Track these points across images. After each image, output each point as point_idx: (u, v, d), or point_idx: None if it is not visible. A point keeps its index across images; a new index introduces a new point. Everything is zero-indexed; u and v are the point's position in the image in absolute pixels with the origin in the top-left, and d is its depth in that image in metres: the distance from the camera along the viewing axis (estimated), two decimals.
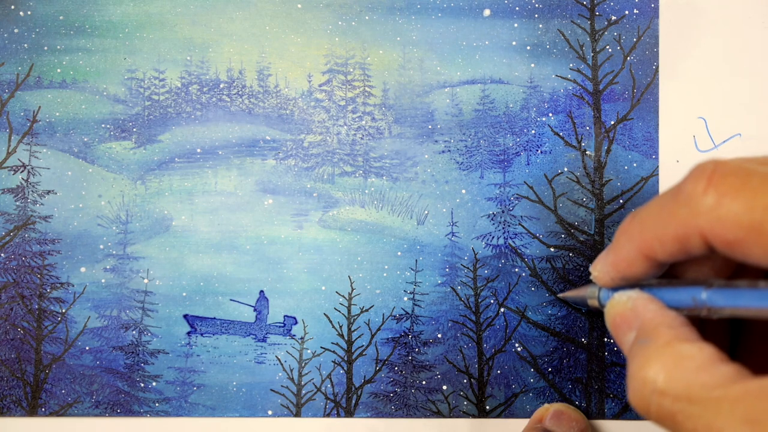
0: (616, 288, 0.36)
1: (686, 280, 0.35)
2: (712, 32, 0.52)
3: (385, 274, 0.52)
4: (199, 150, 0.52)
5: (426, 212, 0.52)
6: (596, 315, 0.52)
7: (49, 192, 0.52)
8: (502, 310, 0.52)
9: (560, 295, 0.50)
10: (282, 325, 0.52)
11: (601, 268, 0.37)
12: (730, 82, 0.52)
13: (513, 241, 0.52)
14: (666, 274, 0.36)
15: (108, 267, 0.52)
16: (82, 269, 0.52)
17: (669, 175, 0.52)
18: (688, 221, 0.30)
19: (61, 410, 0.51)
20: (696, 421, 0.28)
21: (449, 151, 0.52)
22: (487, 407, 0.51)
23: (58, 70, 0.52)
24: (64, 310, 0.52)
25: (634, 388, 0.31)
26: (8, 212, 0.52)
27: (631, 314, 0.34)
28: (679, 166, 0.52)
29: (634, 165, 0.52)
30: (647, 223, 0.33)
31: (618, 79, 0.52)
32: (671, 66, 0.52)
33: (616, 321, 0.35)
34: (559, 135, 0.52)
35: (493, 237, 0.52)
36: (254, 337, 0.52)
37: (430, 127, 0.52)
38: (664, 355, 0.30)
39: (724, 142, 0.52)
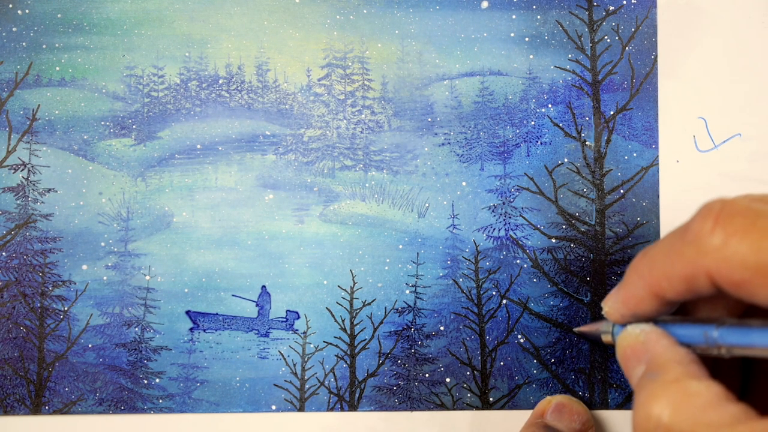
0: (627, 324, 0.36)
1: (698, 317, 0.35)
2: (712, 32, 0.52)
3: (386, 268, 0.52)
4: (199, 146, 0.52)
5: (427, 205, 0.52)
6: (599, 306, 0.52)
7: (49, 190, 0.52)
8: (504, 301, 0.52)
9: (576, 330, 0.50)
10: (284, 319, 0.52)
11: (611, 305, 0.37)
12: (730, 82, 0.52)
13: (514, 233, 0.52)
14: (679, 311, 0.36)
15: (109, 264, 0.52)
16: (84, 267, 0.52)
17: (669, 175, 0.52)
18: (695, 261, 0.30)
19: (65, 408, 0.51)
20: None
21: (449, 143, 0.52)
22: (491, 399, 0.51)
23: (57, 68, 0.52)
24: (66, 308, 0.52)
25: (639, 423, 0.30)
26: (9, 211, 0.52)
27: (642, 348, 0.34)
28: (679, 166, 0.52)
29: (634, 155, 0.52)
30: (656, 261, 0.33)
31: (617, 69, 0.52)
32: (671, 66, 0.52)
33: (627, 353, 0.35)
34: (558, 126, 0.52)
35: (494, 229, 0.52)
36: (257, 332, 0.52)
37: (429, 119, 0.52)
38: (671, 391, 0.30)
39: (724, 142, 0.52)
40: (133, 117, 0.52)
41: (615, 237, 0.52)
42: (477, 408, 0.51)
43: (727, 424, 0.28)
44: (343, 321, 0.52)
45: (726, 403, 0.29)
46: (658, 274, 0.33)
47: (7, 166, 0.52)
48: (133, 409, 0.51)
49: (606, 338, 0.41)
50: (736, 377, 0.37)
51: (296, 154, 0.52)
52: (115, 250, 0.52)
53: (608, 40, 0.52)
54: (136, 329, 0.52)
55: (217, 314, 0.52)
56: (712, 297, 0.35)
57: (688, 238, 0.31)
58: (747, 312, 0.36)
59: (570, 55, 0.52)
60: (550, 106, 0.52)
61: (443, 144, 0.52)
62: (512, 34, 0.52)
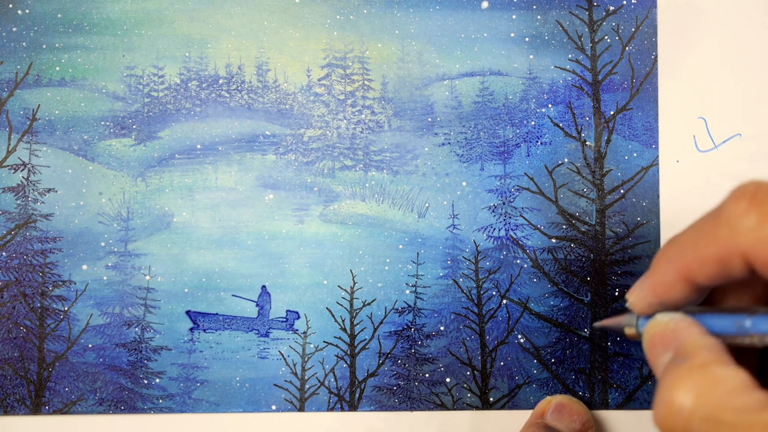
0: (652, 315, 0.36)
1: (729, 306, 0.34)
2: (712, 32, 0.52)
3: (386, 268, 0.52)
4: (199, 146, 0.52)
5: (427, 205, 0.52)
6: (599, 306, 0.52)
7: (49, 190, 0.52)
8: (504, 301, 0.52)
9: (597, 324, 0.50)
10: (284, 319, 0.52)
11: (638, 294, 0.36)
12: (730, 82, 0.52)
13: (514, 233, 0.52)
14: (704, 302, 0.36)
15: (110, 264, 0.52)
16: (84, 267, 0.52)
17: (669, 175, 0.52)
18: (729, 242, 0.30)
19: (65, 408, 0.51)
20: None
21: (449, 143, 0.52)
22: (491, 399, 0.51)
23: (57, 68, 0.52)
24: (66, 308, 0.52)
25: (662, 407, 0.30)
26: (9, 211, 0.52)
27: (671, 335, 0.33)
28: (679, 166, 0.52)
29: (634, 155, 0.52)
30: (687, 245, 0.33)
31: (617, 69, 0.52)
32: (671, 66, 0.52)
33: (654, 341, 0.34)
34: (558, 126, 0.52)
35: (494, 229, 0.52)
36: (257, 332, 0.52)
37: (429, 119, 0.52)
38: (698, 376, 0.30)
39: (724, 142, 0.52)
40: (133, 117, 0.52)
41: (615, 237, 0.52)
42: (477, 408, 0.51)
43: (753, 410, 0.28)
44: (343, 321, 0.52)
45: (752, 390, 0.29)
46: (689, 258, 0.33)
47: (7, 166, 0.52)
48: (133, 409, 0.51)
49: (630, 331, 0.40)
50: (754, 369, 0.37)
51: (296, 154, 0.52)
52: (115, 250, 0.52)
53: (608, 40, 0.52)
54: (136, 329, 0.52)
55: (217, 314, 0.52)
56: (739, 286, 0.35)
57: (721, 220, 0.31)
58: None
59: (570, 55, 0.52)
60: (550, 106, 0.52)
61: (443, 144, 0.52)
62: (512, 34, 0.52)
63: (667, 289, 0.35)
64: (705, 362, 0.30)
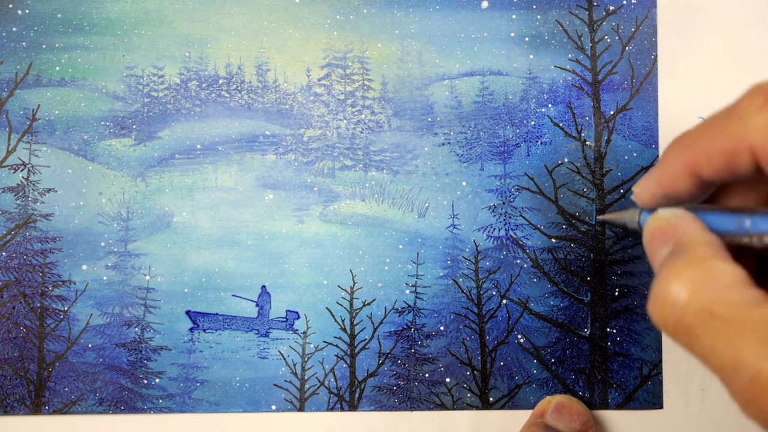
0: (655, 210, 0.36)
1: (730, 206, 0.34)
2: (712, 32, 0.52)
3: (386, 268, 0.52)
4: (198, 146, 0.52)
5: (427, 205, 0.52)
6: (599, 306, 0.52)
7: (49, 190, 0.52)
8: (504, 301, 0.52)
9: (599, 217, 0.49)
10: (284, 319, 0.52)
11: (643, 185, 0.36)
12: (730, 82, 0.52)
13: (514, 233, 0.52)
14: (708, 202, 0.36)
15: (109, 264, 0.52)
16: (84, 267, 0.52)
17: None
18: (739, 136, 0.30)
19: (65, 408, 0.51)
20: (715, 337, 0.28)
21: (449, 143, 0.52)
22: (491, 399, 0.51)
23: (57, 68, 0.52)
24: (66, 308, 0.52)
25: (656, 298, 0.30)
26: (9, 211, 0.52)
27: (672, 229, 0.33)
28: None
29: (634, 155, 0.52)
30: (697, 137, 0.33)
31: (617, 69, 0.52)
32: (671, 66, 0.52)
33: (655, 235, 0.34)
34: (558, 126, 0.52)
35: (494, 229, 0.52)
36: (257, 332, 0.52)
37: (429, 119, 0.52)
38: (695, 269, 0.30)
39: None
40: (133, 117, 0.52)
41: (615, 237, 0.52)
42: (477, 408, 0.51)
43: (747, 305, 0.28)
44: (343, 321, 0.52)
45: (748, 287, 0.29)
46: (698, 150, 0.32)
47: (7, 166, 0.52)
48: (132, 409, 0.51)
49: (632, 225, 0.40)
50: (752, 272, 0.37)
51: (296, 154, 0.52)
52: (115, 250, 0.52)
53: (608, 40, 0.52)
54: (136, 329, 0.52)
55: (217, 314, 0.52)
56: (742, 188, 0.35)
57: (734, 115, 0.31)
58: None
59: (570, 55, 0.52)
60: (550, 106, 0.52)
61: (443, 144, 0.52)
62: (512, 34, 0.52)
63: (672, 181, 0.34)
64: (702, 256, 0.30)
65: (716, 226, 0.33)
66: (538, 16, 0.52)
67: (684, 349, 0.30)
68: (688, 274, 0.30)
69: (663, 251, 0.33)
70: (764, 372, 0.26)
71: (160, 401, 0.51)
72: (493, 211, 0.52)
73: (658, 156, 0.52)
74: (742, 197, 0.36)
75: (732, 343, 0.27)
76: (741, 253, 0.35)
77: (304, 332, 0.52)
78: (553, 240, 0.52)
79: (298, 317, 0.52)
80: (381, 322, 0.52)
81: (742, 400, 0.28)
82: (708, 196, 0.35)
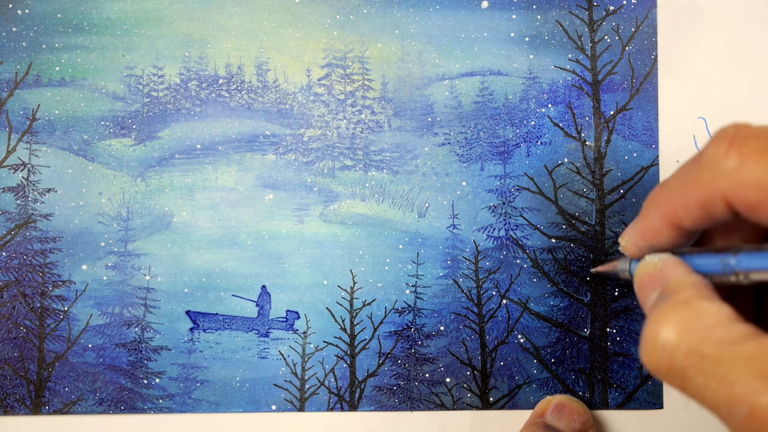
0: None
1: (716, 246, 0.35)
2: (712, 32, 0.52)
3: (386, 268, 0.52)
4: (198, 146, 0.52)
5: (427, 205, 0.52)
6: (599, 306, 0.52)
7: (49, 190, 0.52)
8: (504, 301, 0.52)
9: (593, 270, 0.50)
10: (284, 319, 0.52)
11: (629, 239, 0.37)
12: (730, 82, 0.52)
13: (514, 233, 0.52)
14: (695, 245, 0.36)
15: (109, 264, 0.52)
16: (84, 267, 0.52)
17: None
18: (711, 185, 0.31)
19: (65, 408, 0.51)
20: (707, 376, 0.28)
21: (449, 143, 0.52)
22: (491, 399, 0.51)
23: (57, 68, 0.52)
24: (66, 308, 0.52)
25: (647, 343, 0.30)
26: (9, 211, 0.52)
27: (659, 275, 0.34)
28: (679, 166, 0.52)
29: (634, 155, 0.52)
30: (672, 190, 0.33)
31: (617, 69, 0.52)
32: (671, 66, 0.52)
33: (644, 281, 0.35)
34: (558, 126, 0.52)
35: (494, 229, 0.52)
36: (257, 332, 0.52)
37: (429, 119, 0.52)
38: (681, 311, 0.30)
39: None
40: (133, 117, 0.52)
41: (615, 237, 0.52)
42: (477, 408, 0.51)
43: (736, 341, 0.28)
44: (343, 321, 0.52)
45: (735, 323, 0.29)
46: (674, 203, 0.33)
47: (7, 166, 0.52)
48: (133, 409, 0.51)
49: (624, 275, 0.41)
50: (751, 309, 0.37)
51: (296, 154, 0.52)
52: (115, 250, 0.52)
53: (608, 40, 0.52)
54: (136, 329, 0.52)
55: (217, 314, 0.52)
56: (728, 228, 0.35)
57: (703, 164, 0.31)
58: (766, 239, 0.36)
59: (570, 55, 0.52)
60: (550, 106, 0.52)
61: (443, 144, 0.52)
62: (512, 34, 0.52)
63: (655, 233, 0.35)
64: (688, 298, 0.31)
65: (703, 267, 0.34)
66: (538, 16, 0.52)
67: (679, 392, 0.30)
68: (675, 317, 0.30)
69: (652, 296, 0.34)
70: (760, 406, 0.26)
71: (160, 401, 0.51)
72: (493, 211, 0.52)
73: (658, 156, 0.52)
74: (728, 238, 0.36)
75: (725, 381, 0.27)
76: (738, 289, 0.35)
77: (304, 332, 0.52)
78: (553, 240, 0.52)
79: (298, 317, 0.52)
80: (381, 322, 0.52)
81: None
82: (694, 240, 0.35)
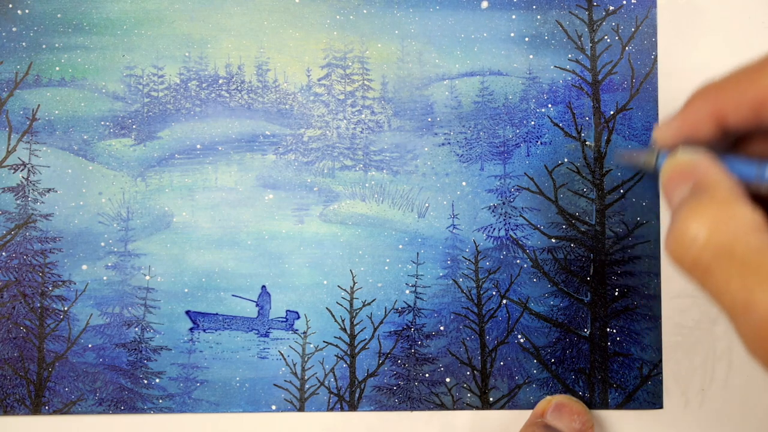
0: (673, 152, 0.36)
1: (752, 154, 0.34)
2: (712, 32, 0.52)
3: (386, 268, 0.52)
4: (198, 146, 0.52)
5: (427, 205, 0.52)
6: (599, 306, 0.52)
7: (49, 190, 0.52)
8: (504, 301, 0.52)
9: (617, 154, 0.49)
10: (284, 319, 0.52)
11: (665, 128, 0.36)
12: None
13: (514, 233, 0.52)
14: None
15: (109, 264, 0.52)
16: (84, 267, 0.52)
17: None
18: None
19: (65, 408, 0.51)
20: (730, 276, 0.28)
21: (449, 143, 0.52)
22: (491, 399, 0.51)
23: (57, 68, 0.52)
24: (66, 308, 0.52)
25: (674, 237, 0.31)
26: (9, 211, 0.52)
27: (691, 170, 0.34)
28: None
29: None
30: (725, 86, 0.33)
31: (617, 69, 0.52)
32: (671, 66, 0.52)
33: (674, 174, 0.34)
34: (558, 126, 0.52)
35: (494, 229, 0.52)
36: (257, 332, 0.52)
37: (429, 119, 0.52)
38: (716, 210, 0.30)
39: None
40: (133, 117, 0.52)
41: (615, 237, 0.52)
42: (477, 408, 0.51)
43: (765, 250, 0.28)
44: (343, 321, 0.52)
45: (767, 232, 0.29)
46: (725, 98, 0.33)
47: (7, 166, 0.52)
48: (133, 409, 0.51)
49: (648, 166, 0.40)
50: None
51: (296, 154, 0.52)
52: (115, 250, 0.52)
53: (608, 40, 0.52)
54: (136, 329, 0.52)
55: (217, 314, 0.52)
56: (764, 137, 0.35)
57: (764, 67, 0.31)
58: None
59: (570, 55, 0.52)
60: (550, 106, 0.52)
61: (443, 144, 0.52)
62: (512, 34, 0.52)
63: (695, 125, 0.35)
64: (724, 198, 0.31)
65: (736, 171, 0.33)
66: (538, 16, 0.52)
67: (696, 285, 0.30)
68: (708, 214, 0.30)
69: (681, 191, 0.33)
70: None
71: (160, 401, 0.51)
72: (493, 211, 0.52)
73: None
74: (762, 147, 0.36)
75: (746, 285, 0.28)
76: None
77: (304, 332, 0.52)
78: (553, 240, 0.52)
79: (298, 317, 0.52)
80: (381, 322, 0.52)
81: (749, 339, 0.28)
82: (729, 143, 0.35)
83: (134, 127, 0.52)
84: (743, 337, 0.28)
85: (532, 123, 0.52)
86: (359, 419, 0.52)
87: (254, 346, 0.52)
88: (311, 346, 0.52)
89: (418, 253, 0.52)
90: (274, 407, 0.51)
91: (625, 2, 0.52)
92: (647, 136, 0.52)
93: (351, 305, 0.52)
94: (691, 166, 0.34)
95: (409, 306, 0.52)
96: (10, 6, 0.52)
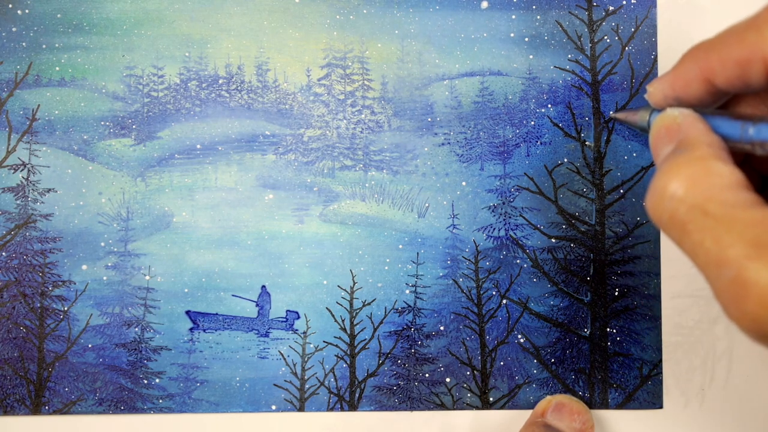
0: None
1: (737, 113, 0.35)
2: (712, 32, 0.52)
3: (386, 268, 0.52)
4: (198, 146, 0.52)
5: (427, 205, 0.52)
6: (599, 306, 0.52)
7: (49, 190, 0.52)
8: (504, 301, 0.52)
9: (612, 114, 0.50)
10: (284, 319, 0.52)
11: (657, 86, 0.37)
12: None
13: (514, 233, 0.52)
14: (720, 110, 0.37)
15: (109, 264, 0.52)
16: (84, 267, 0.52)
17: None
18: (755, 45, 0.31)
19: (65, 408, 0.51)
20: (705, 234, 0.29)
21: (449, 143, 0.52)
22: (491, 399, 0.51)
23: (57, 68, 0.52)
24: (66, 308, 0.52)
25: (654, 192, 0.31)
26: (9, 211, 0.52)
27: (677, 128, 0.34)
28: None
29: (634, 155, 0.52)
30: (714, 45, 0.33)
31: (616, 69, 0.52)
32: (671, 65, 0.52)
33: (661, 132, 0.35)
34: (558, 126, 0.52)
35: (494, 229, 0.52)
36: (257, 332, 0.52)
37: (429, 119, 0.52)
38: (694, 167, 0.30)
39: None
40: (133, 117, 0.52)
41: (615, 237, 0.52)
42: (477, 408, 0.51)
43: (740, 206, 0.28)
44: (343, 321, 0.52)
45: (743, 189, 0.30)
46: (713, 57, 0.33)
47: (7, 166, 0.52)
48: (133, 409, 0.51)
49: (642, 124, 0.40)
50: (756, 184, 0.37)
51: (296, 154, 0.52)
52: (115, 250, 0.52)
53: (608, 40, 0.52)
54: (136, 329, 0.52)
55: (217, 314, 0.52)
56: (755, 100, 0.35)
57: (752, 25, 0.31)
58: None
59: (570, 56, 0.52)
60: (549, 106, 0.52)
61: (443, 144, 0.52)
62: (512, 34, 0.52)
63: (685, 84, 0.35)
64: (703, 155, 0.31)
65: (721, 130, 0.34)
66: (538, 17, 0.52)
67: (674, 243, 0.30)
68: (686, 171, 0.30)
69: (666, 149, 0.34)
70: (747, 271, 0.27)
71: (160, 401, 0.51)
72: (493, 211, 0.52)
73: None
74: (751, 108, 0.36)
75: (719, 241, 0.28)
76: (747, 173, 0.35)
77: (304, 332, 0.52)
78: (553, 240, 0.52)
79: (298, 317, 0.52)
80: (381, 322, 0.52)
81: (723, 298, 0.28)
82: (719, 105, 0.36)
83: (134, 127, 0.52)
84: (717, 296, 0.28)
85: (532, 123, 0.52)
86: (359, 419, 0.52)
87: (254, 346, 0.52)
88: (311, 346, 0.52)
89: (418, 253, 0.52)
90: (274, 407, 0.51)
91: (625, 2, 0.52)
92: (647, 137, 0.52)
93: (351, 305, 0.52)
94: (676, 124, 0.34)
95: (409, 306, 0.52)
96: (10, 6, 0.52)
